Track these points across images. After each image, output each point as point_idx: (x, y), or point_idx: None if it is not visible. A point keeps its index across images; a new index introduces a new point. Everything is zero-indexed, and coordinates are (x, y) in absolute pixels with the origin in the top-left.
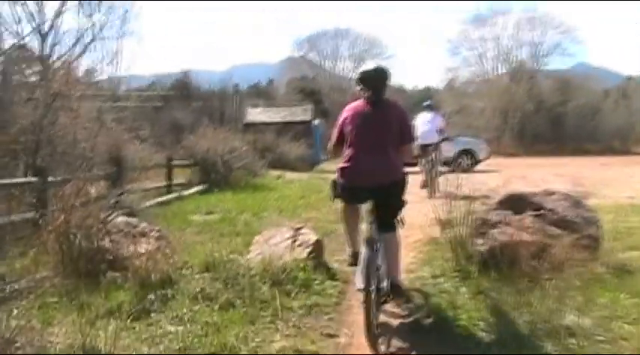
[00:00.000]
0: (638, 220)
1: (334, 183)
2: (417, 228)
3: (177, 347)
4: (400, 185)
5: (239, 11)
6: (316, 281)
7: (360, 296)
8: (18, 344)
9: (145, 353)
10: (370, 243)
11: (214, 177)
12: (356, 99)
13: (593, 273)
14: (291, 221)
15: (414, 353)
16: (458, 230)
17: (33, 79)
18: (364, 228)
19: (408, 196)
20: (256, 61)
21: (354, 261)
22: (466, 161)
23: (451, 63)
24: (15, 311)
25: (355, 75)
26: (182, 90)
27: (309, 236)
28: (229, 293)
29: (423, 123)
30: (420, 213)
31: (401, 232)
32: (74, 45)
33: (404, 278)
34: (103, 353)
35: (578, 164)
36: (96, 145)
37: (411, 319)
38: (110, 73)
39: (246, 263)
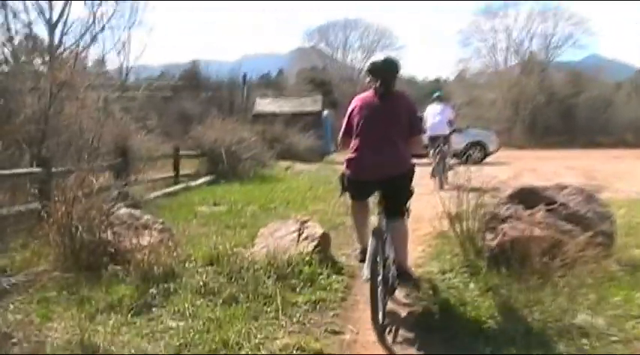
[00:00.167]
0: None
1: (343, 176)
2: (425, 221)
3: (178, 343)
4: (408, 176)
5: (250, 1)
6: (322, 276)
7: (367, 286)
8: (15, 340)
9: (145, 349)
10: (378, 233)
11: (222, 167)
12: (366, 90)
13: (607, 271)
14: (298, 213)
15: (421, 353)
16: (467, 224)
17: (42, 68)
18: (373, 220)
19: (416, 188)
20: (267, 52)
21: (363, 257)
22: (476, 153)
23: (462, 54)
24: (12, 306)
25: (365, 66)
26: (191, 80)
27: (315, 229)
28: (233, 287)
29: (433, 115)
30: (428, 205)
31: (410, 225)
32: (83, 34)
33: None
34: (101, 349)
35: (589, 157)
36: (102, 135)
37: (419, 308)
38: (119, 62)
39: (250, 256)
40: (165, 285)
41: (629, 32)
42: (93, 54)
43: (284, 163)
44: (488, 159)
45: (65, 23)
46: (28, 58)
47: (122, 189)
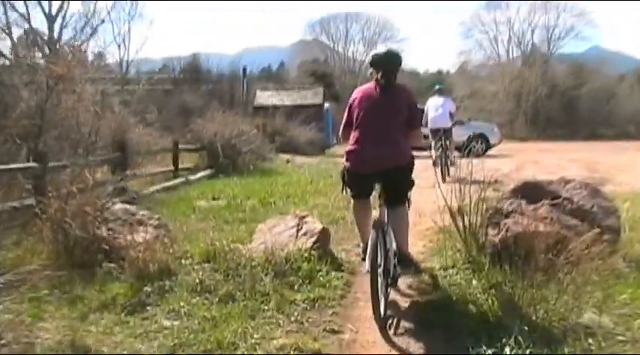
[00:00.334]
0: None
1: (344, 172)
2: (426, 216)
3: (172, 343)
4: (408, 168)
5: None
6: (321, 273)
7: (367, 283)
8: (4, 341)
9: (138, 349)
10: (378, 225)
11: (222, 161)
12: (368, 82)
13: (613, 267)
14: (298, 207)
15: (422, 353)
16: (469, 219)
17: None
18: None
19: (418, 182)
20: (268, 45)
21: (365, 255)
22: (478, 145)
23: (463, 46)
24: (1, 306)
25: (367, 58)
26: (192, 73)
27: (315, 224)
28: (229, 285)
29: (435, 108)
30: (430, 198)
31: (411, 218)
32: (83, 28)
33: None
34: (92, 350)
35: (592, 149)
36: (99, 129)
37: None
38: (119, 55)
39: (248, 253)
40: (161, 283)
41: (632, 24)
42: (93, 47)
43: (284, 156)
44: (490, 152)
45: (64, 17)
46: (27, 52)
47: (118, 185)
